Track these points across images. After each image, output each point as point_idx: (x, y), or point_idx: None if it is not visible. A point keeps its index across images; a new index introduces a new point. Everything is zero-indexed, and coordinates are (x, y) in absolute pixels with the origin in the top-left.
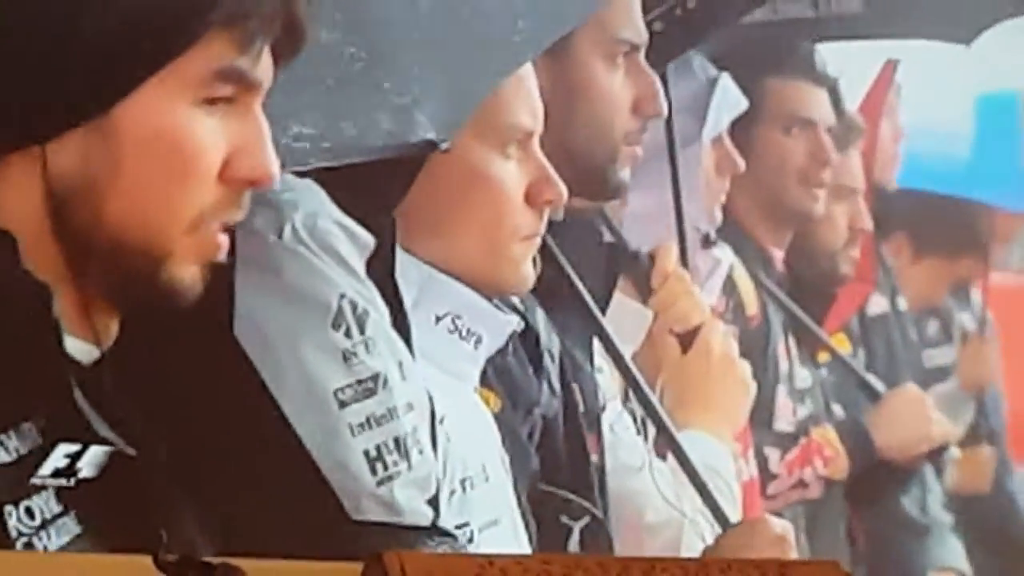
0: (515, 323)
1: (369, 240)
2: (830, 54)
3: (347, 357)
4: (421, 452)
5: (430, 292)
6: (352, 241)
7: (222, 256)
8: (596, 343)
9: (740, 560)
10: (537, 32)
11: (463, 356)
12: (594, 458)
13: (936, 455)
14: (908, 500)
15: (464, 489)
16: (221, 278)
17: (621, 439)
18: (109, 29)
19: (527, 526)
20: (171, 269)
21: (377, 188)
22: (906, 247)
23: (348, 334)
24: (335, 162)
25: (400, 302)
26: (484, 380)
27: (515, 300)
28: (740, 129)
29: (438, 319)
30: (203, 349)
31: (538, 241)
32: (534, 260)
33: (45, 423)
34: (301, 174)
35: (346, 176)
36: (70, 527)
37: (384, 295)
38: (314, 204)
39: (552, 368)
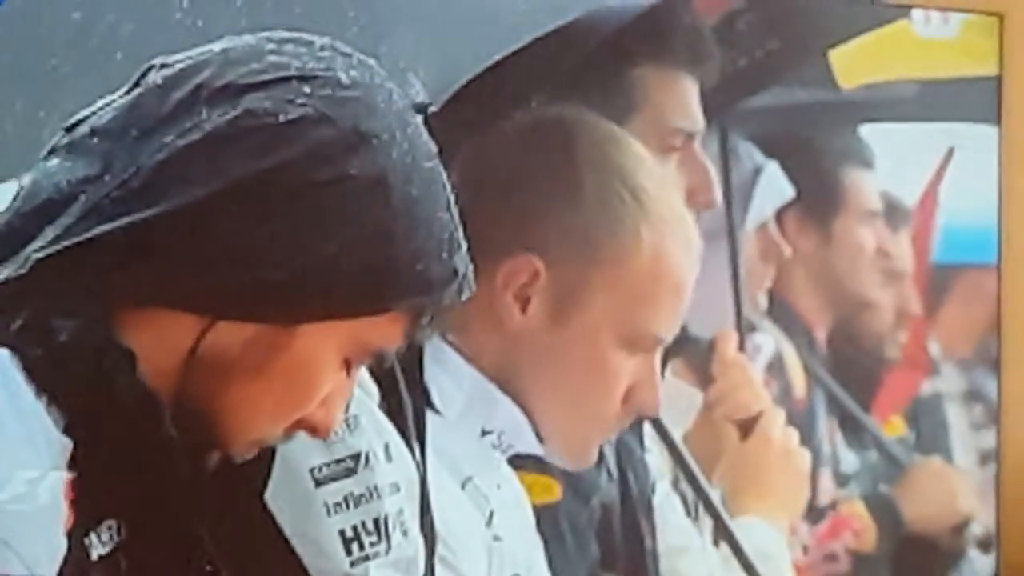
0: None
1: None
2: (879, 135)
3: None
4: (405, 534)
5: (483, 405)
6: None
7: None
8: (646, 425)
9: None
10: (536, 15)
11: (501, 463)
12: (648, 542)
13: (961, 529)
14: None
15: None
16: None
17: (668, 521)
18: (310, 263)
19: None
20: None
21: None
22: (959, 318)
23: None
24: None
25: (422, 396)
26: (546, 469)
27: None
28: (818, 216)
29: (484, 432)
30: None
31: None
32: None
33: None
34: None
35: None
36: None
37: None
38: None
39: (609, 454)
